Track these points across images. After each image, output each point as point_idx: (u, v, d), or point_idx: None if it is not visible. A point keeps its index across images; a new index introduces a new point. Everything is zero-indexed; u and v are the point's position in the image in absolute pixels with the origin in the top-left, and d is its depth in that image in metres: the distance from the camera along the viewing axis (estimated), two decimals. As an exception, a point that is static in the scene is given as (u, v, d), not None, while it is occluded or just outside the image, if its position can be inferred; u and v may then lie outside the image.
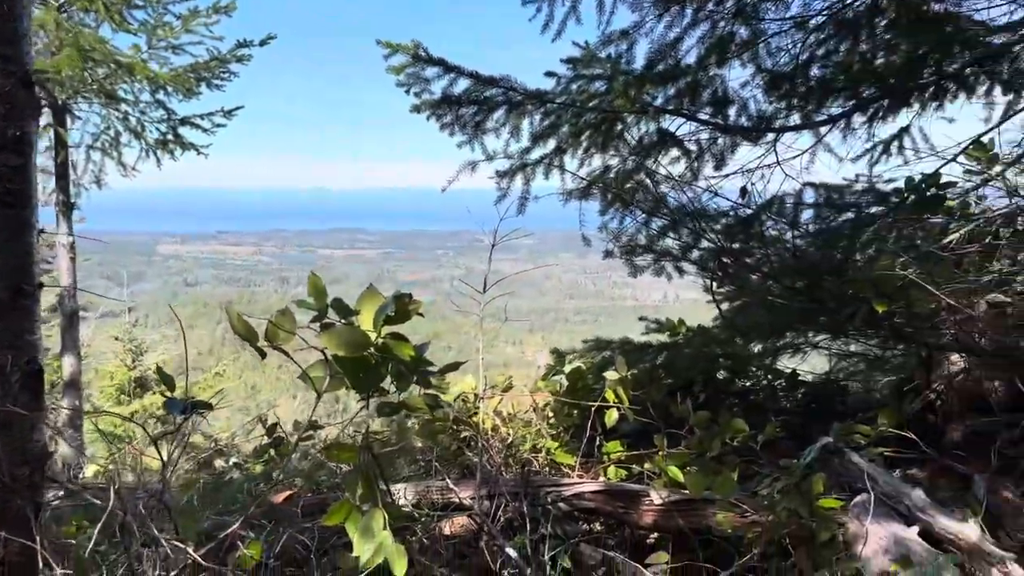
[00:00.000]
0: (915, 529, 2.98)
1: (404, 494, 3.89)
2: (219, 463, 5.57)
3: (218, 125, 12.15)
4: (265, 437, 4.64)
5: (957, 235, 3.68)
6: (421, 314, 2.06)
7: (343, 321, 2.04)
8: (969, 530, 2.84)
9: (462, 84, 4.94)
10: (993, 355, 3.68)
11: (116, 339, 15.34)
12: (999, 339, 3.69)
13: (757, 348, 5.41)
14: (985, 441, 3.53)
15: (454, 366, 2.54)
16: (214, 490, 4.30)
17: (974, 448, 3.64)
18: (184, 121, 11.81)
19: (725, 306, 5.50)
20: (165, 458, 2.54)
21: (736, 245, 4.93)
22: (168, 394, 2.45)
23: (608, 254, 5.22)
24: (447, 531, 3.73)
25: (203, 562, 2.22)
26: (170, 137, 11.87)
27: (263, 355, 2.12)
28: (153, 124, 11.62)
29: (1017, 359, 3.59)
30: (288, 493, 3.41)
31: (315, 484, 4.23)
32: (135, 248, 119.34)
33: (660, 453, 4.01)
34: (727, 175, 5.38)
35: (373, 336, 1.97)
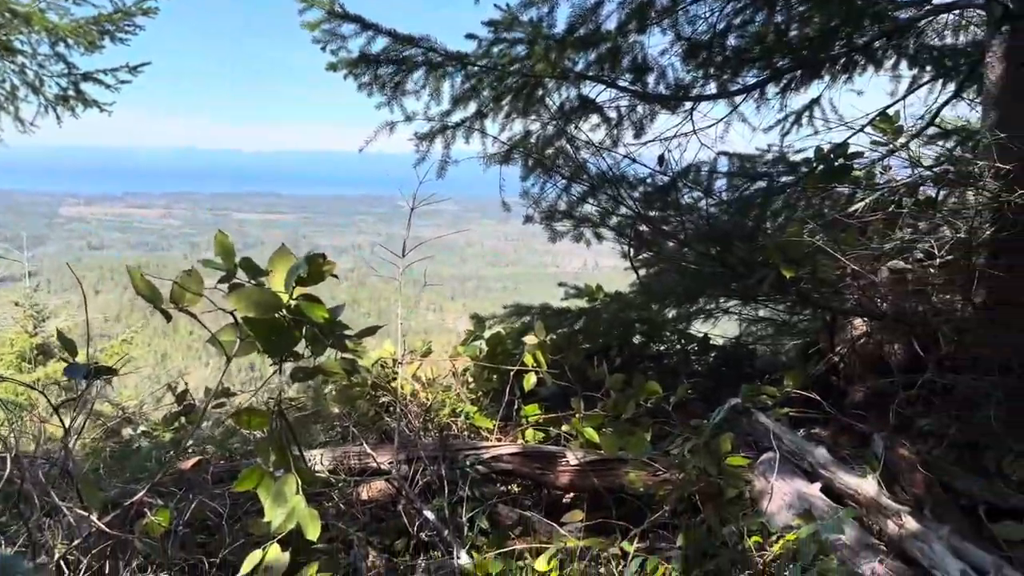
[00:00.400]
0: (817, 485, 3.13)
1: (320, 460, 3.84)
2: (127, 432, 5.38)
3: (123, 81, 11.49)
4: (175, 405, 4.52)
5: (862, 204, 3.82)
6: (336, 276, 2.02)
7: (253, 282, 1.97)
8: (867, 485, 2.99)
9: (380, 43, 4.81)
10: (894, 319, 3.86)
11: (16, 304, 14.56)
12: (899, 304, 3.87)
13: (672, 314, 5.54)
14: (884, 401, 3.71)
15: (371, 330, 2.50)
16: (121, 459, 4.15)
17: (874, 408, 3.82)
18: (86, 76, 11.14)
19: (643, 272, 5.60)
20: (67, 425, 2.44)
21: (653, 213, 5.01)
22: (70, 359, 2.34)
23: (528, 219, 5.22)
24: (364, 496, 3.71)
25: (108, 530, 2.14)
26: (71, 93, 11.17)
27: (168, 317, 2.04)
28: (53, 78, 10.92)
29: (915, 323, 3.77)
30: (197, 459, 3.33)
31: (227, 452, 4.13)
32: (35, 209, 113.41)
33: (577, 415, 4.08)
34: (645, 143, 5.45)
35: (285, 298, 1.92)
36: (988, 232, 3.41)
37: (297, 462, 2.11)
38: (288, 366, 2.28)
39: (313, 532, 1.98)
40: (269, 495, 1.98)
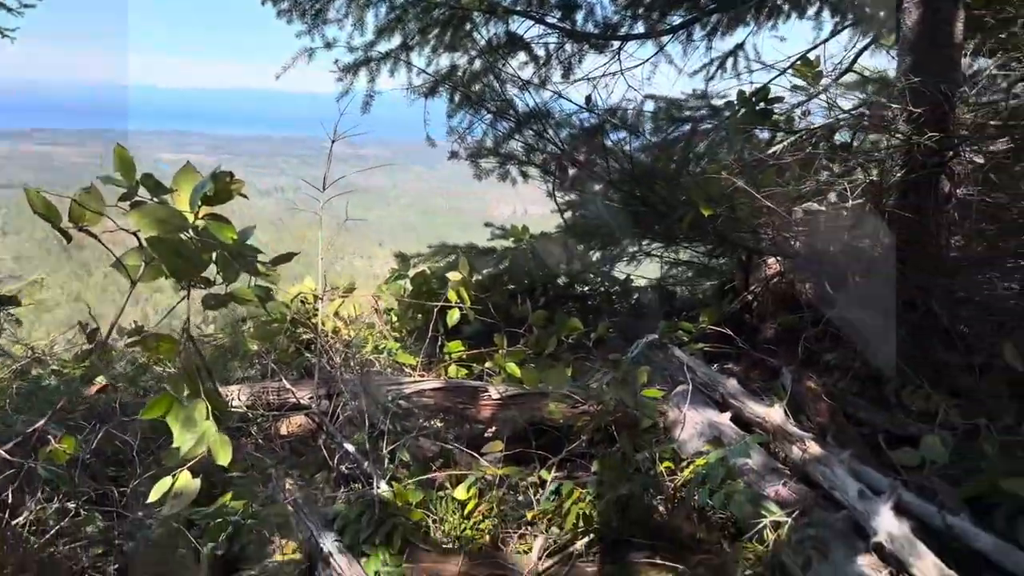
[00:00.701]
0: (727, 414, 3.24)
1: (238, 395, 3.78)
2: (37, 372, 5.18)
3: (27, 5, 10.77)
4: (86, 344, 4.36)
5: (780, 146, 3.90)
6: (244, 195, 1.94)
7: (156, 200, 1.88)
8: (774, 414, 3.11)
9: (300, -35, 4.63)
10: (806, 258, 3.98)
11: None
12: (811, 244, 3.98)
13: (596, 256, 5.59)
14: (794, 337, 3.84)
15: (287, 256, 2.44)
16: (28, 395, 3.99)
17: (784, 343, 3.96)
18: (-16, -4, 10.39)
19: (568, 215, 5.62)
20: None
21: (580, 156, 5.01)
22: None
23: (454, 155, 5.15)
24: (284, 431, 3.67)
25: (9, 457, 2.07)
26: (-34, 15, 10.42)
27: (68, 238, 1.94)
28: (-57, -3, 10.16)
29: (826, 262, 3.89)
30: (103, 384, 3.22)
31: (139, 389, 4.02)
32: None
33: (500, 351, 4.10)
34: (574, 82, 5.42)
35: (191, 217, 1.84)
36: (899, 174, 3.52)
37: (209, 391, 2.05)
38: (199, 294, 2.21)
39: (224, 457, 1.94)
40: (178, 421, 1.92)
